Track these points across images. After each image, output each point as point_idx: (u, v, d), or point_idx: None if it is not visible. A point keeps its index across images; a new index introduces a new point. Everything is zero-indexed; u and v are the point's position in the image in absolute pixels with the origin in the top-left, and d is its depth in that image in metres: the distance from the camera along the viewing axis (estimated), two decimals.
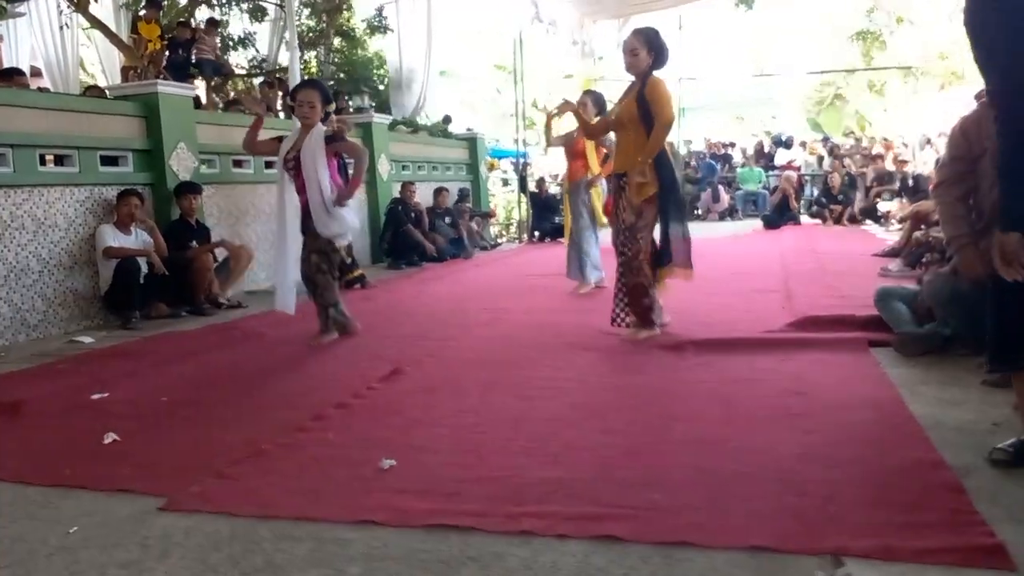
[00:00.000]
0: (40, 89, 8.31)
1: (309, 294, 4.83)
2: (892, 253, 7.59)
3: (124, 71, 9.15)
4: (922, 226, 7.27)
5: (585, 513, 2.10)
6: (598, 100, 6.08)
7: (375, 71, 13.05)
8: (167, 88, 6.50)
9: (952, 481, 2.20)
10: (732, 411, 3.00)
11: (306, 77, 11.07)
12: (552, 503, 2.18)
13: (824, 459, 2.42)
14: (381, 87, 12.84)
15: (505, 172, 18.60)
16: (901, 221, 9.15)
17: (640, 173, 4.16)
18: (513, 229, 14.02)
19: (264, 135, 4.90)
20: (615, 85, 19.89)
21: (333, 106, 4.64)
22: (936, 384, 3.23)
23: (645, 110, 4.15)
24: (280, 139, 4.82)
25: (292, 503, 2.29)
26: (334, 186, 4.63)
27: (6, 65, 8.11)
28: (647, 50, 4.18)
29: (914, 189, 10.87)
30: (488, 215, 12.87)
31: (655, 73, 4.25)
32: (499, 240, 12.48)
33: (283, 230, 4.77)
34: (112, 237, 5.64)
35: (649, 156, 4.15)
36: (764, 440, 2.63)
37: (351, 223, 4.75)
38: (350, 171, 5.34)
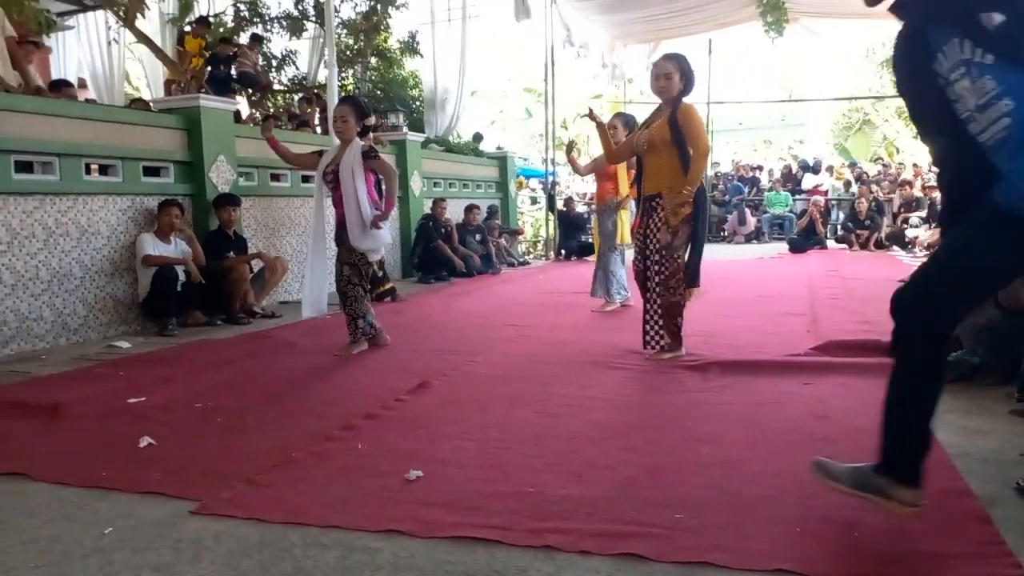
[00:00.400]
0: (87, 101, 8.56)
1: (341, 305, 4.92)
2: None
3: (167, 84, 9.40)
4: None
5: (608, 531, 2.13)
6: (628, 122, 6.12)
7: (410, 90, 13.26)
8: (209, 102, 6.67)
9: (978, 511, 2.20)
10: (756, 433, 3.01)
11: (343, 94, 11.30)
12: (575, 520, 2.21)
13: None
14: (415, 105, 13.03)
15: (534, 191, 18.71)
16: (929, 248, 9.06)
17: (679, 195, 4.22)
18: (541, 247, 14.09)
19: (301, 149, 5.05)
20: (643, 108, 20.00)
21: (372, 120, 4.77)
22: (962, 412, 3.22)
23: (677, 133, 4.22)
24: (320, 153, 4.97)
25: (321, 511, 2.34)
26: (371, 201, 4.75)
27: (54, 77, 8.36)
28: (679, 75, 4.27)
29: (943, 215, 10.75)
30: (516, 232, 12.96)
31: (684, 99, 4.33)
32: (526, 257, 12.55)
33: (318, 242, 4.94)
34: (151, 245, 5.79)
35: (693, 186, 4.21)
36: (788, 464, 2.64)
37: (384, 238, 4.86)
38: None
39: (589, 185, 18.56)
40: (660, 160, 4.33)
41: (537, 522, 2.20)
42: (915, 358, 2.01)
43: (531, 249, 14.07)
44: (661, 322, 4.45)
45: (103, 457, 2.92)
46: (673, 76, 4.26)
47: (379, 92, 11.46)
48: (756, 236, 14.98)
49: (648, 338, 4.54)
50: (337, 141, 4.96)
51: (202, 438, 3.17)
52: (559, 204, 12.93)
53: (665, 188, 4.29)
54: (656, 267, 4.36)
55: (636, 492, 2.42)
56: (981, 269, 1.95)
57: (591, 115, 5.03)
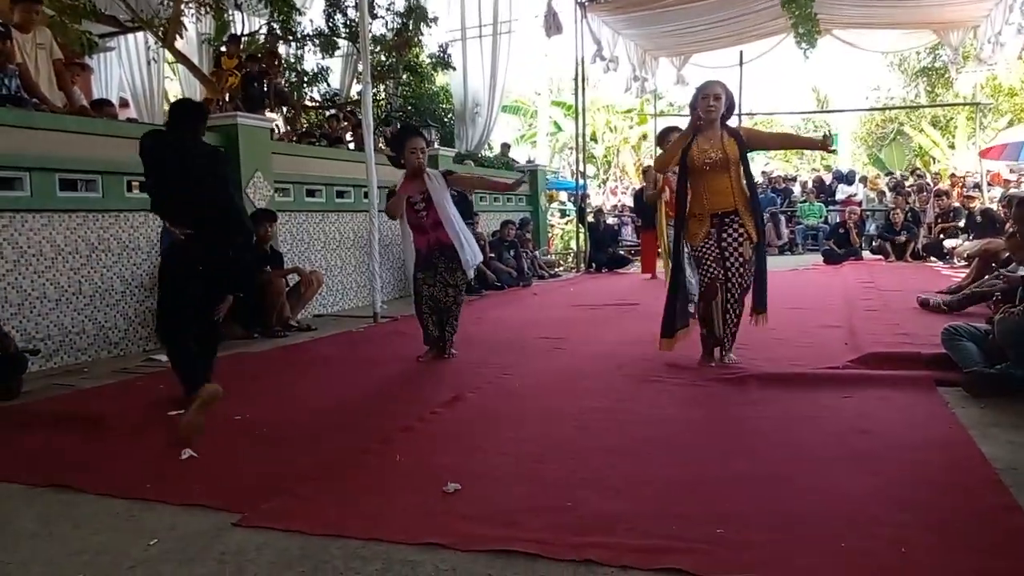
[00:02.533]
0: (129, 119, 8.77)
1: (427, 315, 5.06)
2: (958, 291, 7.38)
3: (205, 103, 9.58)
4: (992, 264, 7.07)
5: (650, 545, 2.12)
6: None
7: (441, 105, 13.38)
8: (246, 120, 6.79)
9: None
10: (796, 448, 2.97)
11: (394, 111, 11.49)
12: (616, 534, 2.20)
13: (892, 501, 2.39)
14: (446, 120, 13.15)
15: (564, 204, 18.72)
16: (968, 259, 8.89)
17: (751, 212, 4.46)
18: (571, 259, 14.09)
19: (335, 165, 5.13)
20: (670, 121, 19.94)
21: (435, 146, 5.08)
22: (1009, 426, 3.15)
23: (744, 152, 4.46)
24: (393, 190, 5.12)
25: (361, 523, 2.36)
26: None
27: (96, 96, 8.57)
28: (724, 98, 4.48)
29: (982, 225, 10.55)
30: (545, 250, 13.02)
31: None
32: (557, 270, 12.55)
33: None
34: None
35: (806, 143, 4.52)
36: (828, 479, 2.61)
37: (479, 254, 5.15)
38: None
39: (617, 197, 18.62)
40: (727, 177, 4.47)
41: (577, 536, 2.19)
42: None
43: (561, 261, 14.06)
44: (736, 330, 4.59)
45: (147, 469, 2.97)
46: (721, 97, 4.47)
47: (410, 107, 11.58)
48: (790, 248, 14.84)
49: (728, 347, 4.62)
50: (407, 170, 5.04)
51: (242, 450, 3.21)
52: (589, 217, 12.93)
53: (740, 205, 4.46)
54: (740, 279, 4.49)
55: (677, 507, 2.40)
56: None
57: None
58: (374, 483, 2.73)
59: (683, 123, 4.86)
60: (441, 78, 13.28)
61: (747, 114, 15.77)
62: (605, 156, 24.81)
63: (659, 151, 6.55)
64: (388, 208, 5.11)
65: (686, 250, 4.97)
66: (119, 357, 5.59)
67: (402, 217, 5.05)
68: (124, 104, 10.40)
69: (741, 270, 4.48)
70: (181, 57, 9.09)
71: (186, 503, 2.60)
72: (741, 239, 4.45)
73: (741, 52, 14.16)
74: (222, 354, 5.44)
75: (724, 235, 4.50)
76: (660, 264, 6.86)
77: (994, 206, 11.46)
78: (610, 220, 14.23)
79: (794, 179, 18.87)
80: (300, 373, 4.85)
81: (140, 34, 10.30)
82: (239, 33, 9.89)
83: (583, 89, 12.99)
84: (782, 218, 15.31)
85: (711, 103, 4.44)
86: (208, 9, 8.82)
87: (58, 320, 5.29)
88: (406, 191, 4.96)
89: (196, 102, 4.91)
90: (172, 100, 13.64)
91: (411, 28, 10.34)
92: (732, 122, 4.67)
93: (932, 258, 11.85)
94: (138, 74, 10.70)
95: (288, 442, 3.29)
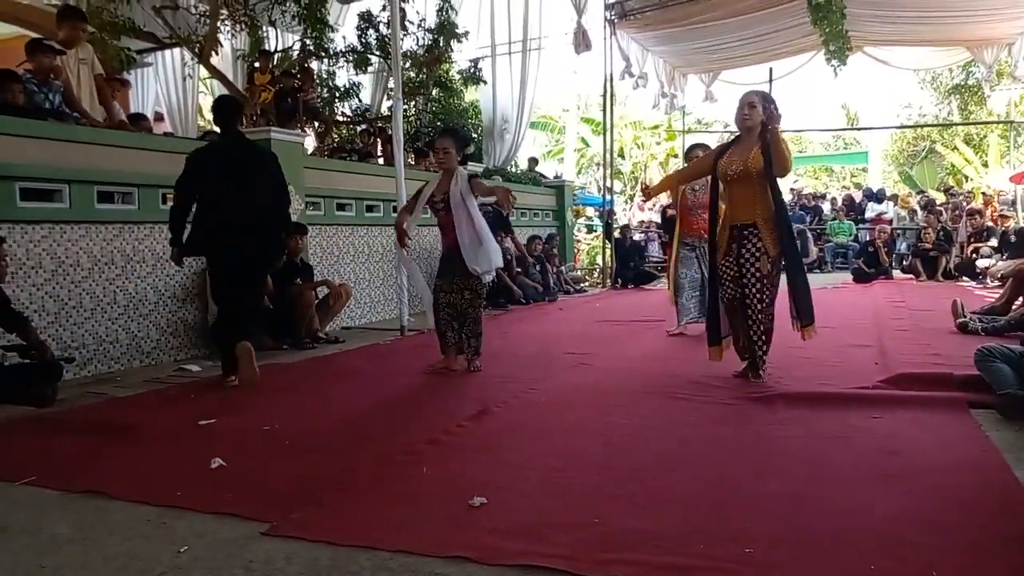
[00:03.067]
0: (165, 134, 8.96)
1: (445, 323, 5.10)
2: (991, 312, 7.26)
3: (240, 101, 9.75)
4: None
5: (677, 564, 2.11)
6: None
7: (469, 120, 13.48)
8: (279, 134, 6.90)
9: None
10: (824, 469, 2.94)
11: (424, 127, 11.61)
12: (642, 552, 2.20)
13: (923, 523, 2.36)
14: (475, 136, 13.24)
15: (591, 219, 18.72)
16: (1002, 279, 8.73)
17: (773, 226, 4.40)
18: (597, 275, 14.08)
19: (365, 180, 5.21)
20: (699, 137, 19.93)
21: (472, 149, 5.04)
22: None
23: (769, 163, 4.36)
24: (418, 193, 5.20)
25: (389, 535, 2.37)
26: (481, 225, 4.99)
27: (133, 111, 8.77)
28: (762, 107, 4.42)
29: (1016, 245, 10.38)
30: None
31: None
32: (583, 285, 12.54)
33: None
34: None
35: (776, 143, 4.36)
36: (858, 500, 2.58)
37: (496, 260, 5.08)
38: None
39: (644, 214, 18.60)
40: (752, 189, 4.43)
41: (603, 552, 2.19)
42: None
43: (587, 277, 14.05)
44: (766, 348, 4.53)
45: (177, 477, 3.01)
46: (757, 105, 4.42)
47: (439, 123, 11.69)
48: (819, 266, 14.70)
49: (752, 365, 4.57)
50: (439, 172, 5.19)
51: (271, 460, 3.24)
52: (616, 233, 12.92)
53: (760, 219, 4.41)
54: (759, 295, 4.44)
55: (704, 525, 2.39)
56: None
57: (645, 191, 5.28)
58: (402, 495, 2.74)
59: (709, 139, 4.86)
60: (470, 94, 13.39)
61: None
62: (632, 172, 24.80)
63: (663, 170, 6.61)
64: (397, 222, 5.30)
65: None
66: (151, 367, 5.68)
67: (403, 227, 5.15)
68: (159, 118, 10.63)
69: (759, 285, 4.42)
70: (216, 73, 9.28)
71: (216, 511, 2.63)
72: (758, 254, 4.41)
73: (771, 69, 14.12)
74: None
75: (743, 250, 4.47)
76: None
77: None
78: (637, 236, 14.22)
79: (823, 196, 18.70)
80: (328, 385, 4.90)
81: (176, 50, 10.55)
82: (273, 49, 10.06)
83: (611, 105, 13.02)
84: (810, 235, 15.17)
85: (746, 112, 4.43)
86: (243, 26, 9.00)
87: (93, 329, 5.39)
88: (417, 197, 5.10)
89: (229, 96, 5.36)
90: (206, 115, 13.96)
91: (441, 44, 10.45)
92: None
93: (964, 278, 11.66)
94: (174, 89, 10.95)
95: (317, 453, 3.32)
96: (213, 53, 8.87)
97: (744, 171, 4.40)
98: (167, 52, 10.73)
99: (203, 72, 10.27)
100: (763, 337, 4.50)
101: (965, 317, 6.38)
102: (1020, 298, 7.28)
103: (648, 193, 5.75)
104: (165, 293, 5.91)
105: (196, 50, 8.84)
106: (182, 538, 2.43)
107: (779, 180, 4.49)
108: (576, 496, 2.69)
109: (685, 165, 6.54)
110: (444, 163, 5.04)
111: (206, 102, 13.12)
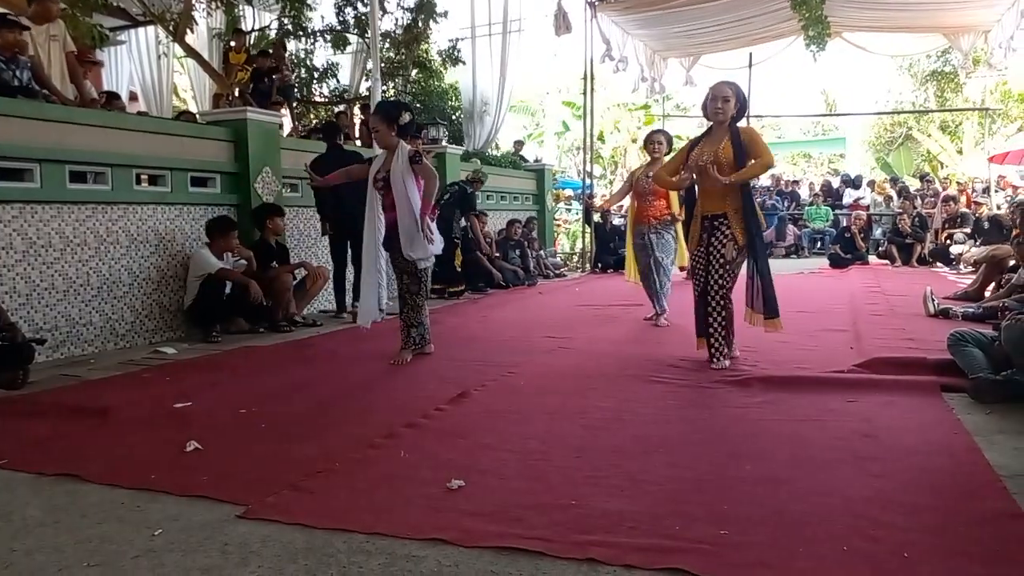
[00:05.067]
0: (139, 113, 8.80)
1: (399, 310, 4.99)
2: (965, 297, 7.37)
3: (215, 98, 9.64)
4: (1003, 278, 7.05)
5: (653, 545, 2.12)
6: (669, 140, 6.24)
7: (449, 102, 13.39)
8: (255, 115, 6.82)
9: None
10: (800, 451, 2.97)
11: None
12: (619, 533, 2.21)
13: (896, 505, 2.39)
14: (454, 117, 13.16)
15: (570, 207, 18.69)
16: (975, 265, 8.86)
17: (742, 217, 4.40)
18: (576, 259, 14.09)
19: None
20: (679, 122, 19.98)
21: (407, 117, 4.78)
22: (1014, 433, 3.14)
23: (741, 155, 4.34)
24: (370, 161, 5.02)
25: (365, 517, 2.36)
26: (419, 208, 4.76)
27: (106, 89, 8.62)
28: (735, 100, 4.41)
29: (989, 231, 10.52)
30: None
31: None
32: (562, 270, 12.55)
33: (370, 252, 4.93)
34: (218, 261, 5.91)
35: (741, 180, 4.38)
36: (833, 482, 2.61)
37: (433, 247, 4.86)
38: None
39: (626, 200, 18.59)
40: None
41: (580, 535, 2.20)
42: None
43: (567, 261, 14.06)
44: (724, 333, 4.52)
45: (152, 460, 2.98)
46: (731, 100, 4.41)
47: (419, 104, 11.60)
48: (795, 251, 14.83)
49: (714, 352, 4.56)
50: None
51: (247, 443, 3.21)
52: (596, 217, 12.92)
53: (730, 209, 4.42)
54: (720, 280, 4.45)
55: (680, 507, 2.40)
56: None
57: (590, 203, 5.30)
58: (379, 478, 2.74)
59: (689, 124, 4.86)
60: (450, 76, 13.31)
61: (756, 116, 15.72)
62: (612, 156, 24.80)
63: (644, 154, 6.56)
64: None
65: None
66: (125, 349, 5.62)
67: (369, 197, 4.87)
68: (133, 97, 10.47)
69: (721, 271, 4.44)
70: (191, 52, 9.13)
71: (191, 494, 2.61)
72: (725, 240, 4.43)
73: (751, 54, 14.13)
74: (227, 348, 5.51)
75: (713, 239, 4.49)
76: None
77: (1002, 211, 11.43)
78: (616, 221, 14.22)
79: (798, 183, 18.83)
80: (306, 368, 4.86)
81: (151, 28, 10.37)
82: (249, 28, 9.92)
83: (592, 89, 12.98)
84: (787, 219, 15.29)
85: (719, 106, 4.42)
86: (219, 4, 8.86)
87: (65, 311, 5.31)
88: (370, 164, 4.91)
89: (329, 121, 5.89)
90: (181, 94, 13.76)
91: (420, 24, 10.35)
92: (742, 122, 4.63)
93: (938, 263, 11.82)
94: (148, 68, 10.77)
95: (293, 436, 3.30)
96: (188, 31, 8.73)
97: (715, 162, 4.40)
98: (141, 30, 10.54)
99: (178, 51, 10.09)
100: (723, 324, 4.50)
101: (936, 305, 6.45)
102: (992, 284, 7.41)
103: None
104: (140, 275, 5.83)
105: (171, 28, 8.69)
106: (156, 521, 2.41)
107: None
108: (554, 478, 2.69)
109: (644, 152, 6.49)
110: (379, 142, 4.86)
111: (181, 81, 12.92)
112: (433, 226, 4.90)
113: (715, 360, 4.53)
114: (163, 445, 3.17)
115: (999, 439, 3.07)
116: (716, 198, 4.47)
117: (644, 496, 2.51)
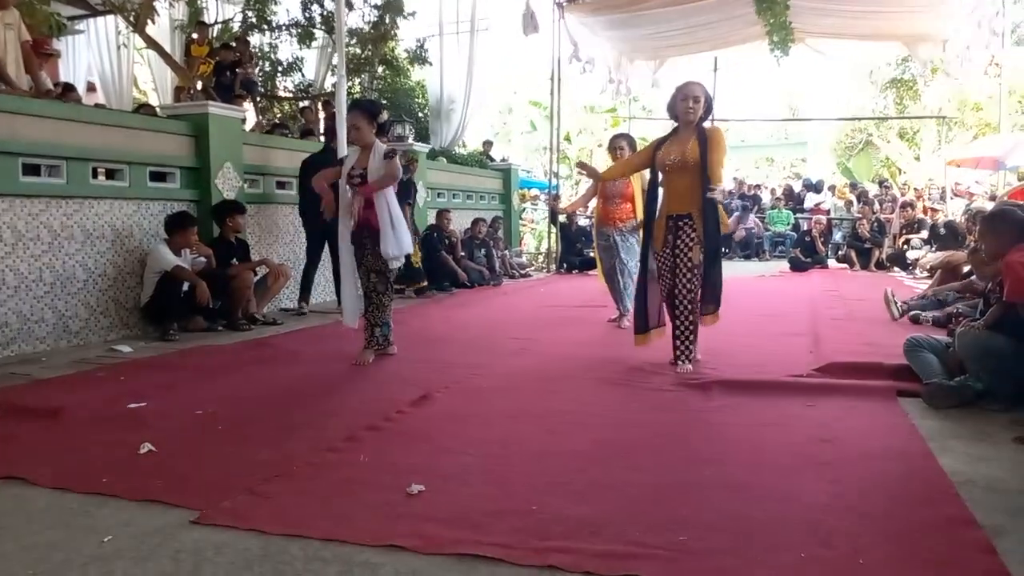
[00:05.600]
0: (96, 105, 8.60)
1: (364, 309, 4.95)
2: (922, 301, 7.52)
3: (176, 91, 9.46)
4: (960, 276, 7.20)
5: (612, 551, 2.12)
6: (632, 144, 6.26)
7: (416, 100, 13.32)
8: (217, 109, 6.69)
9: (983, 542, 2.18)
10: (759, 456, 3.00)
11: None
12: (579, 539, 2.20)
13: (852, 511, 2.41)
14: (421, 115, 13.09)
15: (536, 207, 18.70)
16: (931, 270, 9.06)
17: (710, 218, 4.44)
18: (542, 259, 14.11)
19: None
20: (646, 124, 20.10)
21: (385, 117, 4.79)
22: (967, 439, 3.21)
23: (705, 155, 4.37)
24: (341, 161, 4.96)
25: (322, 524, 2.33)
26: (396, 206, 4.78)
27: (63, 80, 8.40)
28: (704, 100, 4.45)
29: (945, 238, 10.77)
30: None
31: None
32: (528, 270, 12.55)
33: (349, 252, 4.90)
34: (174, 258, 5.78)
35: (718, 182, 4.48)
36: (790, 487, 2.63)
37: (406, 246, 4.86)
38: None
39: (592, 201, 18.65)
40: (688, 180, 4.46)
41: (540, 541, 2.19)
42: None
43: (533, 261, 14.07)
44: (692, 337, 4.55)
45: (103, 463, 2.91)
46: (700, 100, 4.45)
47: (385, 101, 11.52)
48: (756, 254, 15.00)
49: (679, 354, 4.59)
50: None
51: (203, 446, 3.15)
52: (561, 217, 12.95)
53: (695, 209, 4.44)
54: (688, 284, 4.48)
55: (640, 513, 2.40)
56: None
57: (582, 166, 5.38)
58: (337, 483, 2.70)
59: (655, 127, 4.89)
60: (417, 73, 13.23)
61: (721, 120, 15.91)
62: (578, 157, 24.90)
63: (608, 158, 6.53)
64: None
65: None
66: (79, 347, 5.48)
67: (342, 196, 4.82)
68: (91, 88, 10.23)
69: (689, 275, 4.48)
70: (152, 43, 8.94)
71: (144, 499, 2.55)
72: (691, 243, 4.47)
73: (716, 58, 14.27)
74: (185, 347, 5.41)
75: (678, 240, 4.52)
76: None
77: (958, 218, 11.70)
78: (582, 221, 14.28)
79: (760, 186, 19.08)
80: (265, 368, 4.79)
81: (111, 17, 10.13)
82: (213, 21, 9.75)
83: (559, 89, 13.00)
84: (752, 211, 15.43)
85: (691, 105, 4.44)
86: None
87: (16, 308, 5.16)
88: (341, 165, 4.85)
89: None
90: (141, 86, 13.48)
91: (388, 21, 10.27)
92: (707, 123, 4.65)
93: (896, 268, 12.06)
94: (107, 58, 10.52)
95: (250, 439, 3.24)
96: (149, 22, 8.54)
97: (682, 161, 4.44)
98: (100, 19, 10.29)
99: (139, 42, 9.87)
100: (691, 327, 4.55)
101: (897, 306, 6.56)
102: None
103: (586, 169, 5.52)
104: (95, 271, 5.69)
105: (131, 18, 8.49)
106: (106, 527, 2.34)
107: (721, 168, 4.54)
108: (515, 483, 2.68)
109: (608, 155, 6.50)
110: (357, 140, 4.81)
111: (142, 73, 12.65)
112: (405, 226, 4.89)
113: (680, 362, 4.56)
114: (116, 447, 3.10)
115: (952, 444, 3.13)
116: (682, 197, 4.49)
117: (604, 501, 2.51)
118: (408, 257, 5.57)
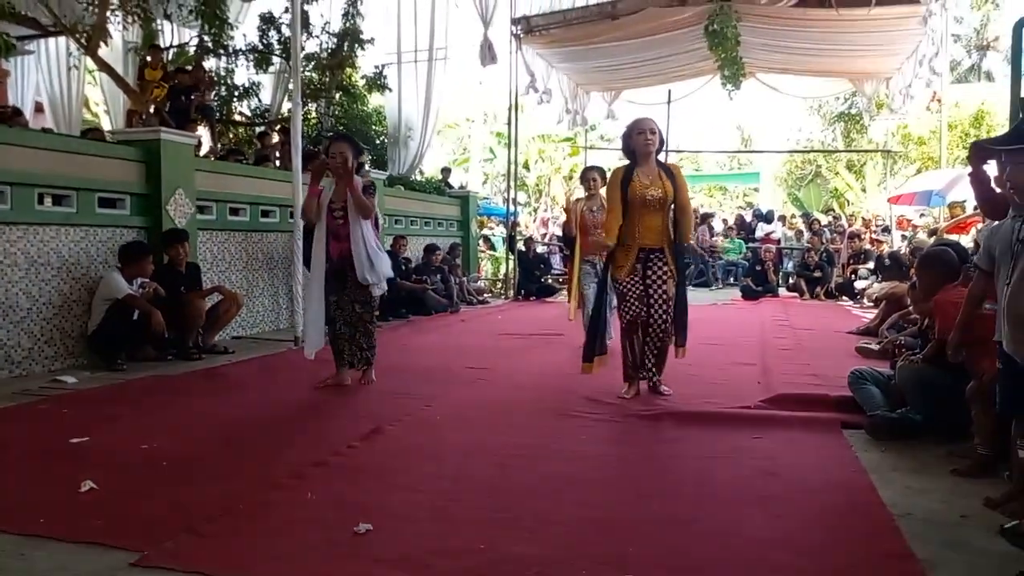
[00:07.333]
0: (44, 129, 8.41)
1: (343, 340, 4.99)
2: (867, 332, 7.72)
3: (129, 115, 9.31)
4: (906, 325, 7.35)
5: None
6: (603, 175, 6.37)
7: (373, 127, 13.32)
8: (169, 135, 6.60)
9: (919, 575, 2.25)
10: (706, 489, 3.04)
11: (325, 131, 11.32)
12: None
13: (793, 546, 2.46)
14: (378, 142, 13.09)
15: (492, 231, 18.76)
16: (876, 301, 9.31)
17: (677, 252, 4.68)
18: (499, 286, 14.14)
19: (260, 184, 4.99)
20: (603, 154, 20.39)
21: (365, 157, 4.91)
22: (906, 471, 3.30)
23: (676, 191, 4.64)
24: (320, 191, 4.97)
25: (267, 565, 2.30)
26: (374, 237, 4.92)
27: (11, 100, 8.23)
28: (657, 133, 4.67)
29: (890, 268, 11.08)
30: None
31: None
32: (485, 296, 12.56)
33: (318, 281, 4.94)
34: (127, 286, 5.67)
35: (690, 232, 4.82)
36: (735, 522, 2.68)
37: (386, 272, 5.00)
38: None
39: (545, 228, 18.80)
40: (663, 217, 4.66)
41: None
42: None
43: (491, 288, 14.10)
44: (663, 358, 4.76)
45: (42, 501, 2.83)
46: (656, 132, 4.66)
47: (342, 127, 11.50)
48: (706, 284, 15.12)
49: (654, 380, 4.75)
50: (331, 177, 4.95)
51: (146, 483, 3.08)
52: (519, 244, 13.02)
53: (667, 244, 4.65)
54: (664, 315, 4.65)
55: (587, 549, 2.42)
56: None
57: (596, 245, 5.43)
58: (283, 521, 2.66)
59: (613, 155, 5.01)
60: (375, 100, 13.25)
61: (675, 151, 16.20)
62: (536, 185, 25.12)
63: (580, 188, 6.70)
64: (303, 208, 5.11)
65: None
66: (21, 377, 5.31)
67: (319, 227, 4.88)
68: (39, 108, 10.03)
69: (664, 307, 4.64)
70: (104, 66, 8.80)
71: (82, 540, 2.48)
72: (666, 276, 4.63)
73: (670, 91, 14.56)
74: (133, 377, 5.28)
75: (649, 271, 4.65)
76: (569, 302, 6.91)
77: (902, 250, 12.06)
78: (540, 249, 14.39)
79: (712, 215, 19.42)
80: (214, 399, 4.71)
81: (62, 39, 9.97)
82: (168, 44, 9.66)
83: (516, 119, 13.13)
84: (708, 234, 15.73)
85: (648, 137, 4.62)
86: (136, 18, 8.57)
87: None
88: (318, 194, 4.89)
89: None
90: (93, 108, 13.26)
91: (346, 49, 10.29)
92: (661, 156, 4.87)
93: (844, 297, 12.36)
94: (57, 80, 10.34)
95: (196, 475, 3.18)
96: (101, 44, 8.41)
97: (662, 198, 4.60)
98: (51, 40, 10.12)
99: (90, 64, 9.72)
100: (662, 355, 4.74)
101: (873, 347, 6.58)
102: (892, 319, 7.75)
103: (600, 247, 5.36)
104: (40, 299, 5.54)
105: (83, 40, 8.36)
106: (41, 571, 2.28)
107: None
108: (464, 521, 2.68)
109: (580, 185, 6.63)
110: (343, 168, 4.81)
111: (94, 94, 12.45)
112: (385, 255, 5.06)
113: (660, 387, 4.75)
114: (56, 485, 3.01)
115: (893, 476, 3.22)
116: (657, 232, 4.65)
117: (552, 538, 2.52)
118: None
